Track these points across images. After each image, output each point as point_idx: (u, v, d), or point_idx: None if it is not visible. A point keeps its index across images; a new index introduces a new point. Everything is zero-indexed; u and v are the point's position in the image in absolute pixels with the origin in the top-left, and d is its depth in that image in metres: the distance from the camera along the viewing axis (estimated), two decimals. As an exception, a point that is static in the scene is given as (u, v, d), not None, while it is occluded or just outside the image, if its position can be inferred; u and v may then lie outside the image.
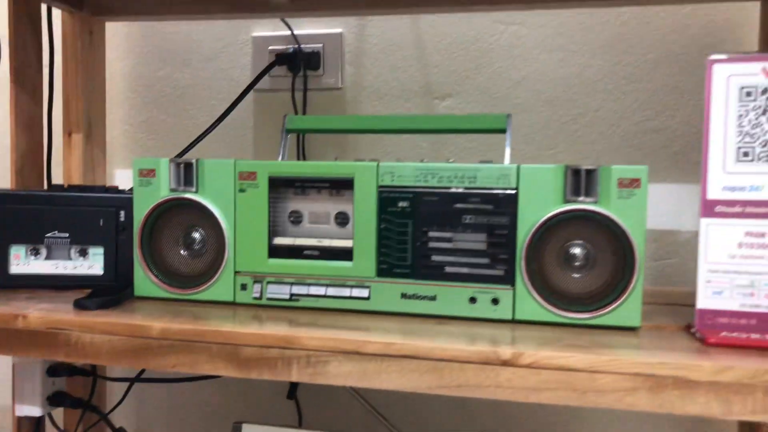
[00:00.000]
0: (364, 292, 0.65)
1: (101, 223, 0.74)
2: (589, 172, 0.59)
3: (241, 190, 0.68)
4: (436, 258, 0.63)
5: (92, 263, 0.75)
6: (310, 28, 1.00)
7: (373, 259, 0.65)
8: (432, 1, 0.88)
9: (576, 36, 0.93)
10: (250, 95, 1.02)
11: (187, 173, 0.68)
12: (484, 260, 0.62)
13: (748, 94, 0.56)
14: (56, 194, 0.74)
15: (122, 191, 0.78)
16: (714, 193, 0.57)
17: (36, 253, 0.74)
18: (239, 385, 1.06)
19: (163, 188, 0.69)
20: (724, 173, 0.56)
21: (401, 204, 0.64)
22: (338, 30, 1.00)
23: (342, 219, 0.67)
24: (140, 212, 0.69)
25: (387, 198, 0.64)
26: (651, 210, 0.91)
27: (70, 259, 0.74)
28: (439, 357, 0.54)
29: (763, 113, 0.55)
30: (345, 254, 0.66)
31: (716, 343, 0.55)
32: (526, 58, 0.95)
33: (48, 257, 0.74)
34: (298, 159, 1.01)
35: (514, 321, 0.62)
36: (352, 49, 1.00)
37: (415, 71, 0.98)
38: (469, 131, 0.73)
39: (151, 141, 1.09)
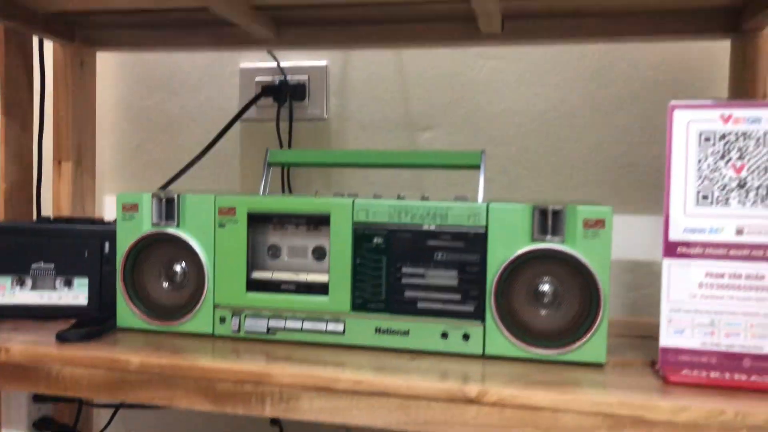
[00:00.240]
0: (339, 327, 0.66)
1: (86, 255, 0.76)
2: (556, 213, 0.61)
3: (221, 225, 0.69)
4: (409, 293, 0.65)
5: (77, 293, 0.76)
6: (296, 60, 1.03)
7: (348, 294, 0.66)
8: (414, 36, 0.91)
9: (553, 71, 0.96)
10: (237, 125, 1.05)
11: (168, 208, 0.70)
12: (456, 296, 0.64)
13: (707, 139, 0.58)
14: (42, 226, 0.76)
15: (107, 223, 0.80)
16: (676, 234, 0.58)
17: (21, 283, 0.76)
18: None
19: (146, 222, 0.71)
20: (685, 216, 0.58)
21: (376, 240, 0.66)
22: (323, 62, 1.02)
23: (319, 254, 0.69)
24: (123, 246, 0.71)
25: (362, 234, 0.66)
26: (626, 241, 0.93)
27: (55, 289, 0.76)
28: (406, 394, 0.55)
29: (721, 158, 0.57)
30: (321, 288, 0.67)
31: (677, 381, 0.56)
32: (505, 92, 0.97)
33: (33, 287, 0.76)
34: (283, 189, 1.03)
35: (484, 356, 0.63)
36: (337, 81, 1.02)
37: (397, 103, 1.01)
38: (445, 167, 0.75)
39: (140, 168, 1.11)
